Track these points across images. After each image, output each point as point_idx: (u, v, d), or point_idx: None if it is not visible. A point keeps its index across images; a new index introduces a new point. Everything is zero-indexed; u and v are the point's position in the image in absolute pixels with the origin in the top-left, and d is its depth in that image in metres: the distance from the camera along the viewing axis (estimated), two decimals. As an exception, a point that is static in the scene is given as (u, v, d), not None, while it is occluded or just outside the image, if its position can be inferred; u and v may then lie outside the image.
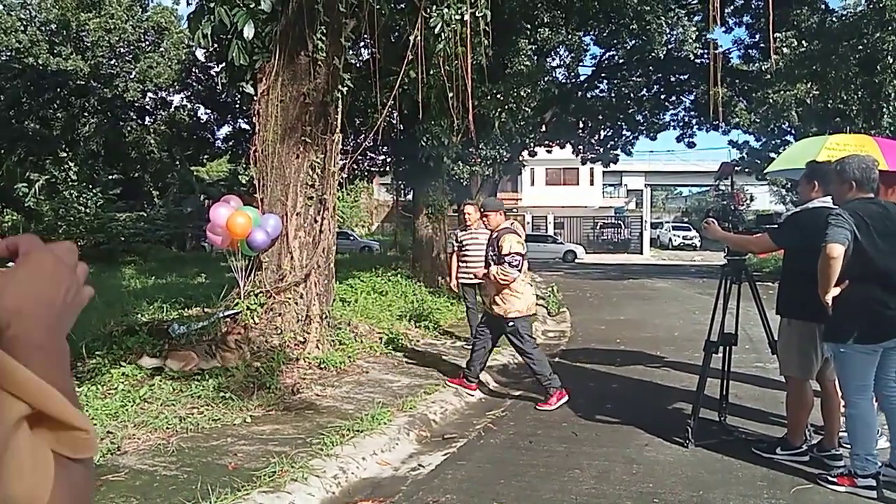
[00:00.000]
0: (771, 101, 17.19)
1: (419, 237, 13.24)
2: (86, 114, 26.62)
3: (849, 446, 3.79)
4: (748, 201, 40.09)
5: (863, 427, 3.61)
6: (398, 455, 4.31)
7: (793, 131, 20.26)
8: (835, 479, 3.72)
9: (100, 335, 6.02)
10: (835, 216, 3.54)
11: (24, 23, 25.75)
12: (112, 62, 27.44)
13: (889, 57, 14.30)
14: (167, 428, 4.38)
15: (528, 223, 41.88)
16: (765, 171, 8.28)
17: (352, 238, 33.50)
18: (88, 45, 26.67)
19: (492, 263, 5.56)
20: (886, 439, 3.89)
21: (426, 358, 7.18)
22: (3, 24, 24.48)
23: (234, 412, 4.79)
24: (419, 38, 6.67)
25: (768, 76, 16.36)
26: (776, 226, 4.35)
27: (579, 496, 3.66)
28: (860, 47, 14.46)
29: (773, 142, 21.47)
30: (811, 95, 16.96)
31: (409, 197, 16.08)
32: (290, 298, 6.62)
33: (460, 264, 7.99)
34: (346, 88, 6.93)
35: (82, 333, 5.90)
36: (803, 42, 15.49)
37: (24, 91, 23.48)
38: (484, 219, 5.86)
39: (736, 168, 22.57)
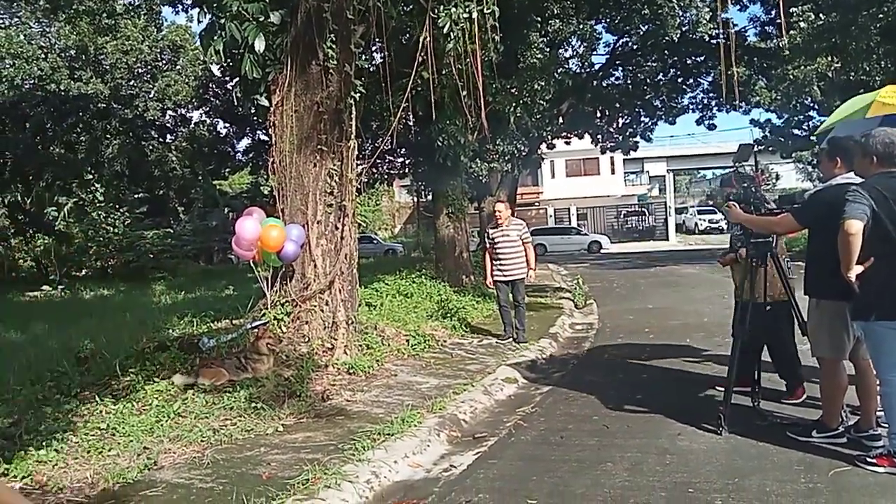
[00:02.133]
0: (791, 77, 16.91)
1: (441, 237, 13.25)
2: (108, 136, 27.13)
3: (887, 426, 3.71)
4: (774, 180, 39.44)
5: (899, 405, 3.53)
6: (430, 457, 4.33)
7: (815, 106, 19.91)
8: (874, 460, 3.64)
9: (133, 352, 6.13)
10: (852, 192, 3.47)
11: (45, 51, 26.28)
12: (131, 83, 27.90)
13: (911, 24, 13.97)
14: (201, 441, 4.45)
15: (551, 216, 41.71)
16: (816, 132, 8.07)
17: (375, 242, 33.73)
18: (107, 67, 27.15)
19: (737, 244, 5.09)
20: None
21: (454, 357, 7.19)
22: (25, 54, 25.01)
23: (266, 422, 4.84)
24: (428, 38, 6.67)
25: (787, 52, 16.05)
26: (799, 205, 4.27)
27: (613, 489, 3.64)
28: (881, 16, 14.11)
29: (796, 118, 21.13)
30: (833, 69, 16.63)
31: (430, 197, 16.09)
32: (315, 306, 6.68)
33: (493, 262, 7.97)
34: (358, 94, 6.98)
35: (116, 352, 6.03)
36: (821, 15, 15.17)
37: (47, 117, 23.97)
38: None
39: (759, 147, 22.25)
